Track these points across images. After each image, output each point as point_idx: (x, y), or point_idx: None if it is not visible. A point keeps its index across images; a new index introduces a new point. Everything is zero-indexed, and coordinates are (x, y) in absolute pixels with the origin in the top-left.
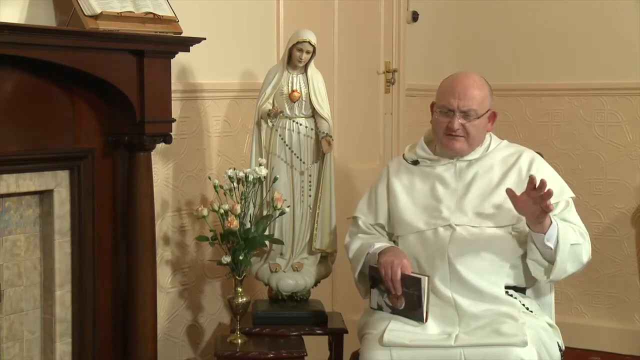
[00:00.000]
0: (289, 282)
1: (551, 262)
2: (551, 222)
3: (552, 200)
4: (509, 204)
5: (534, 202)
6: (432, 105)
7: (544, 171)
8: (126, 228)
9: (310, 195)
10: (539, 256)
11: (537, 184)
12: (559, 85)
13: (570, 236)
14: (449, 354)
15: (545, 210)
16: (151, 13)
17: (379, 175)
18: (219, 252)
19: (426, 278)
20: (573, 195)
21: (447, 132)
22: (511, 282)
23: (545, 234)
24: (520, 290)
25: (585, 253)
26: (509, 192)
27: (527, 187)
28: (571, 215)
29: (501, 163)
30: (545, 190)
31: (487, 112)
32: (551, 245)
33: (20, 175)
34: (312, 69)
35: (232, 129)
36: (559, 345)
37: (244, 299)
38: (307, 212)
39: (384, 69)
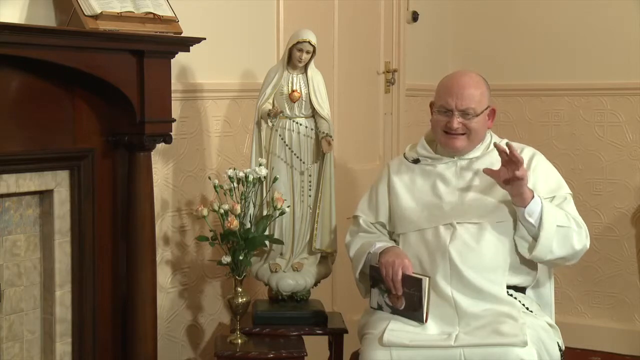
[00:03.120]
0: (289, 282)
1: (536, 239)
2: (533, 197)
3: (548, 195)
4: (510, 201)
5: (508, 169)
6: (432, 105)
7: (543, 167)
8: (126, 228)
9: (310, 195)
10: (525, 232)
11: (504, 148)
12: (559, 85)
13: (559, 217)
14: (449, 354)
15: (518, 175)
16: (151, 13)
17: (379, 174)
18: (219, 252)
19: (427, 279)
20: (570, 192)
21: (446, 131)
22: (511, 282)
23: (525, 208)
24: (521, 290)
25: (579, 239)
26: (487, 171)
27: (501, 157)
28: (569, 207)
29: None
30: (515, 156)
31: (485, 109)
32: (532, 220)
33: (20, 175)
34: (312, 69)
35: (232, 129)
36: (559, 345)
37: (244, 299)
38: (307, 212)
39: (384, 69)
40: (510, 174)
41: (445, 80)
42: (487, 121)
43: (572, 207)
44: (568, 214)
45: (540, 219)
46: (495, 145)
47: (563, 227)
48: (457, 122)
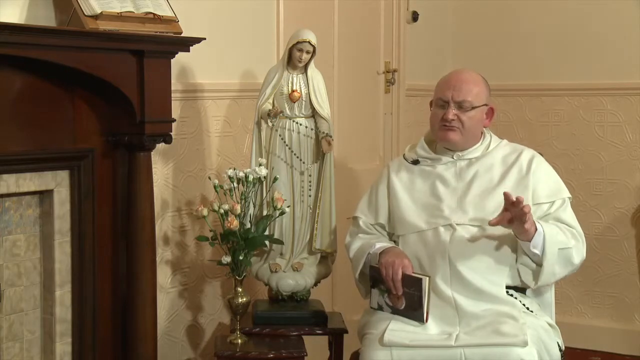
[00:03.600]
0: (289, 282)
1: (540, 265)
2: (536, 229)
3: (547, 199)
4: None
5: (513, 216)
6: (431, 103)
7: (543, 169)
8: (126, 228)
9: (310, 195)
10: (528, 260)
11: (514, 200)
12: (559, 85)
13: (559, 239)
14: (449, 354)
15: (527, 227)
16: (151, 13)
17: (379, 175)
18: (219, 252)
19: (427, 278)
20: (570, 195)
21: (441, 123)
22: (511, 282)
23: (530, 242)
24: (521, 290)
25: (578, 255)
26: (493, 222)
27: (506, 204)
28: (566, 214)
29: (501, 162)
30: (521, 207)
31: (482, 105)
32: (537, 251)
33: (20, 175)
34: (312, 69)
35: (232, 129)
36: (559, 345)
37: (244, 299)
38: (307, 212)
39: (384, 69)
40: (518, 223)
41: (445, 75)
42: (483, 119)
43: (570, 213)
44: (564, 226)
45: (544, 248)
46: (505, 194)
47: (564, 249)
48: (452, 114)
